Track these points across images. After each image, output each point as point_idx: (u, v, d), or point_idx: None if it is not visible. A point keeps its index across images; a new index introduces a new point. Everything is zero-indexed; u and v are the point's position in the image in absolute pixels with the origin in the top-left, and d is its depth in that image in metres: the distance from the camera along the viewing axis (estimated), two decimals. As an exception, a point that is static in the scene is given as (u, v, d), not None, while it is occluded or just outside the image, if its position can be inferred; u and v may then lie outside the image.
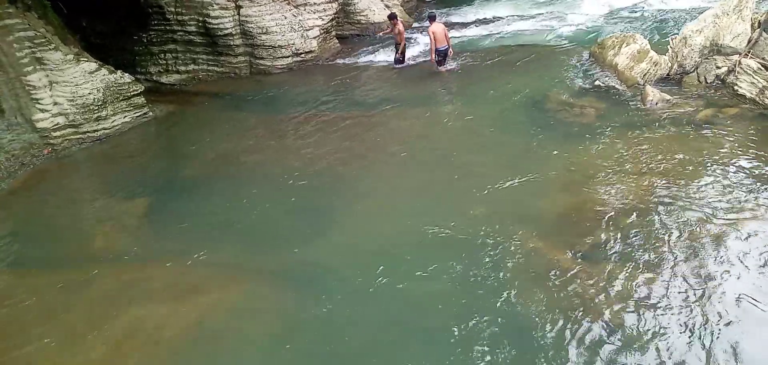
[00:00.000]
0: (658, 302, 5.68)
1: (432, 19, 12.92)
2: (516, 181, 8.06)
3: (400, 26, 13.56)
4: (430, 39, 12.67)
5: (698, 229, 6.65)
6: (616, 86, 10.79)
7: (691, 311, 5.53)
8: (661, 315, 5.52)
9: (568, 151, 8.71)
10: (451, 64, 13.14)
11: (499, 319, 5.67)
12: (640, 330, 5.39)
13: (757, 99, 9.52)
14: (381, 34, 14.47)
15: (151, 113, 11.71)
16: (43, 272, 7.06)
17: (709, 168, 7.86)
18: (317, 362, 5.46)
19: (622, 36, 11.96)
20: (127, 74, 11.47)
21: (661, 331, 5.35)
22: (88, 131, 10.70)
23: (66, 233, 8.02)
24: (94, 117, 10.74)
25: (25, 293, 6.65)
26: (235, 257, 7.08)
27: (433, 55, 12.83)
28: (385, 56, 14.36)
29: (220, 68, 14.09)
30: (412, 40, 15.34)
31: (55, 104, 10.33)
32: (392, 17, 13.75)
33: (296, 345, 5.63)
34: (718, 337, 5.22)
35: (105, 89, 10.88)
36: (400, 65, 13.64)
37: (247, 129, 11.05)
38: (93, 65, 10.93)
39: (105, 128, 10.93)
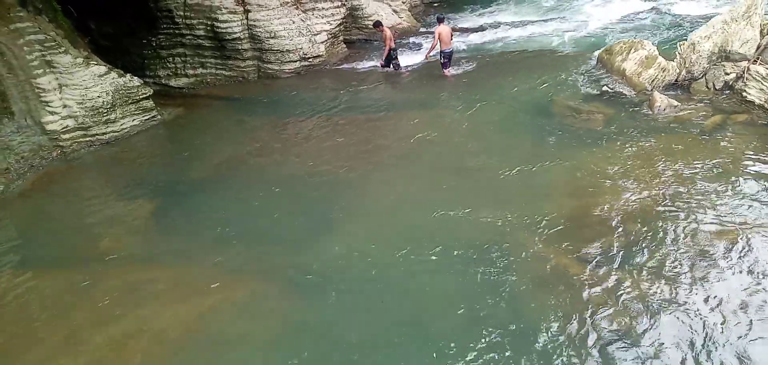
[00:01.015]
0: (663, 308, 5.65)
1: (440, 21, 13.16)
2: (523, 185, 8.06)
3: (387, 31, 13.65)
4: (435, 39, 13.01)
5: (705, 236, 6.62)
6: (624, 92, 10.76)
7: (696, 318, 5.50)
8: (665, 321, 5.49)
9: (575, 156, 8.69)
10: (455, 69, 13.22)
11: (504, 323, 5.65)
12: (644, 335, 5.36)
13: (766, 106, 9.46)
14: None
15: (159, 116, 11.77)
16: (50, 272, 7.10)
17: (716, 175, 7.81)
18: (320, 363, 5.46)
19: (631, 42, 11.92)
20: (136, 78, 11.55)
21: (665, 337, 5.31)
22: (97, 134, 10.78)
23: (73, 234, 8.07)
24: (103, 120, 10.82)
25: (32, 292, 6.70)
26: (239, 258, 7.10)
27: (430, 53, 13.33)
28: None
29: (228, 72, 14.16)
30: (419, 46, 15.37)
31: (65, 106, 10.41)
32: (377, 24, 13.95)
33: (300, 346, 5.63)
34: (722, 345, 5.18)
35: (114, 92, 10.96)
36: (397, 70, 13.71)
37: (254, 132, 11.09)
38: (102, 68, 11.01)
39: (114, 131, 11.00)
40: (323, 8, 14.80)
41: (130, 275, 6.89)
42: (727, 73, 10.44)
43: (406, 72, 13.69)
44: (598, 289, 5.97)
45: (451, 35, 13.17)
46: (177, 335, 5.87)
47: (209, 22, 13.61)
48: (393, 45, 13.61)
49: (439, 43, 12.92)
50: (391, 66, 13.76)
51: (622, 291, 5.91)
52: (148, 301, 6.38)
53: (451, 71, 13.13)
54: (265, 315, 6.14)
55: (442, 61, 13.08)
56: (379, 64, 14.02)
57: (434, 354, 5.37)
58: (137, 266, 7.06)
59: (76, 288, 6.70)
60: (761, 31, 10.64)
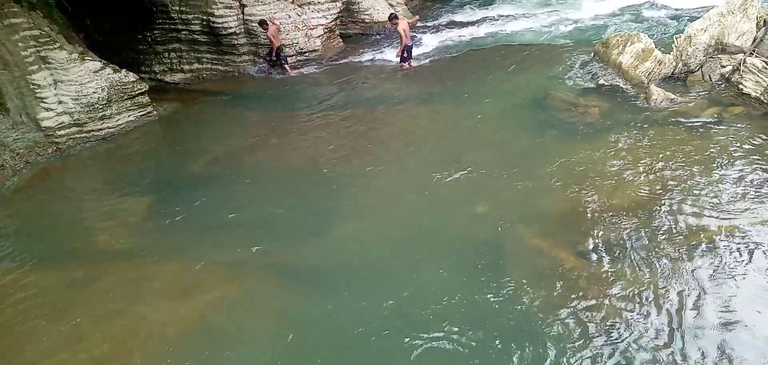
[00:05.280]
0: (660, 303, 5.67)
1: (395, 18, 13.53)
2: (519, 179, 8.06)
3: (272, 29, 13.49)
4: (405, 35, 13.27)
5: (702, 229, 6.63)
6: (621, 85, 10.76)
7: (693, 312, 5.52)
8: (663, 315, 5.51)
9: (571, 150, 8.69)
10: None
11: (501, 317, 5.67)
12: (641, 330, 5.38)
13: (762, 98, 9.48)
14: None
15: (155, 112, 11.74)
16: (47, 269, 7.08)
17: (713, 168, 7.83)
18: (318, 360, 5.46)
19: (627, 35, 11.91)
20: (131, 73, 11.49)
21: (662, 332, 5.33)
22: (92, 130, 10.74)
23: (70, 230, 8.06)
24: (98, 116, 10.78)
25: (29, 290, 6.68)
26: (237, 254, 7.09)
27: (402, 50, 13.42)
28: (387, 55, 14.37)
29: (223, 67, 14.12)
30: (418, 41, 15.34)
31: (60, 102, 10.37)
32: (262, 23, 13.47)
33: (298, 342, 5.64)
34: (719, 339, 5.20)
35: (109, 88, 10.91)
36: (279, 71, 13.70)
37: (251, 127, 11.08)
38: (97, 64, 10.97)
39: (109, 127, 10.97)
40: (319, 2, 14.75)
41: (128, 271, 6.88)
42: (723, 66, 10.46)
43: (281, 75, 13.70)
44: (594, 283, 5.99)
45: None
46: (175, 331, 5.87)
47: (205, 17, 13.56)
48: (280, 44, 13.57)
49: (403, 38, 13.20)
50: (281, 64, 13.72)
51: (618, 285, 5.92)
52: (146, 297, 6.38)
53: (412, 64, 13.46)
54: (263, 311, 6.15)
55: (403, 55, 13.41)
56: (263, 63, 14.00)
57: (430, 349, 5.38)
58: (135, 263, 7.05)
59: (73, 285, 6.69)
60: (757, 24, 10.66)
